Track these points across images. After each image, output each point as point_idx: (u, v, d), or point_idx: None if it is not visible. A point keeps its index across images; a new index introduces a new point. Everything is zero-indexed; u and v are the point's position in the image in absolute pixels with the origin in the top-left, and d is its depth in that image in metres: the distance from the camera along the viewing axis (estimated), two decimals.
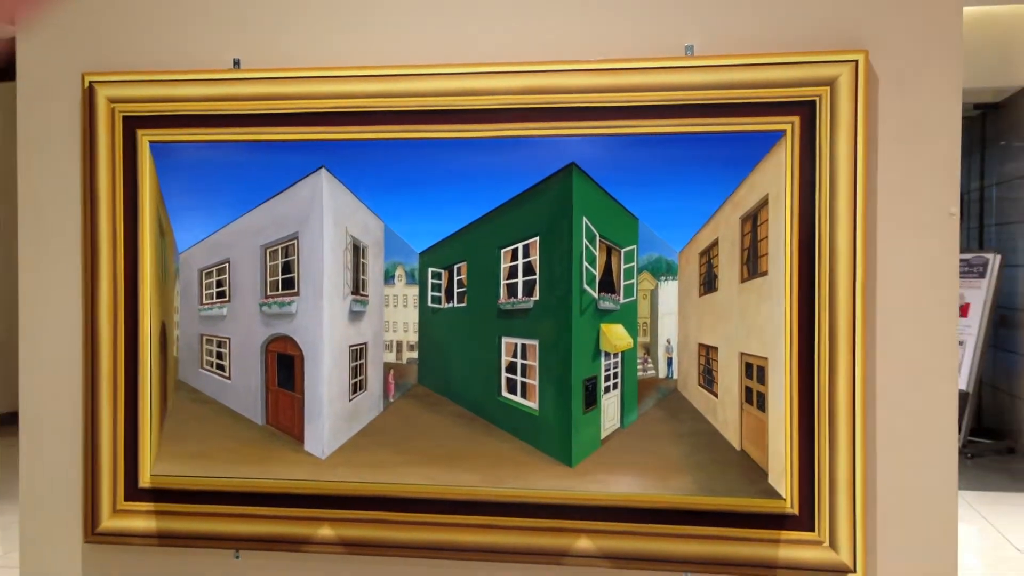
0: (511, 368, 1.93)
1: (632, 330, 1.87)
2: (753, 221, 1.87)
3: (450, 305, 1.93)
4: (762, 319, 1.87)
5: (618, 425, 1.89)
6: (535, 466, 1.94)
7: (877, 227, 1.93)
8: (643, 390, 1.88)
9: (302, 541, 2.11)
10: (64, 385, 2.21)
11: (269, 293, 1.99)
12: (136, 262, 2.12)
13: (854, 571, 1.93)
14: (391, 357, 1.95)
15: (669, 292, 1.85)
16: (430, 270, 1.92)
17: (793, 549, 1.95)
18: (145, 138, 2.12)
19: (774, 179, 1.88)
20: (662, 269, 1.85)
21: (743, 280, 1.86)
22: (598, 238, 1.88)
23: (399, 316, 1.93)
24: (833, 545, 1.93)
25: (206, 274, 2.00)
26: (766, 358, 1.87)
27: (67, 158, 2.19)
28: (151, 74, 2.12)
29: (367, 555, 2.10)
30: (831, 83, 1.90)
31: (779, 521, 1.95)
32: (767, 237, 1.88)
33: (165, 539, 2.16)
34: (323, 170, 1.97)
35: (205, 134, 2.08)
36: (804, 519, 1.95)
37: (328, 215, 1.95)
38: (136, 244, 2.12)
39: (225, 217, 1.97)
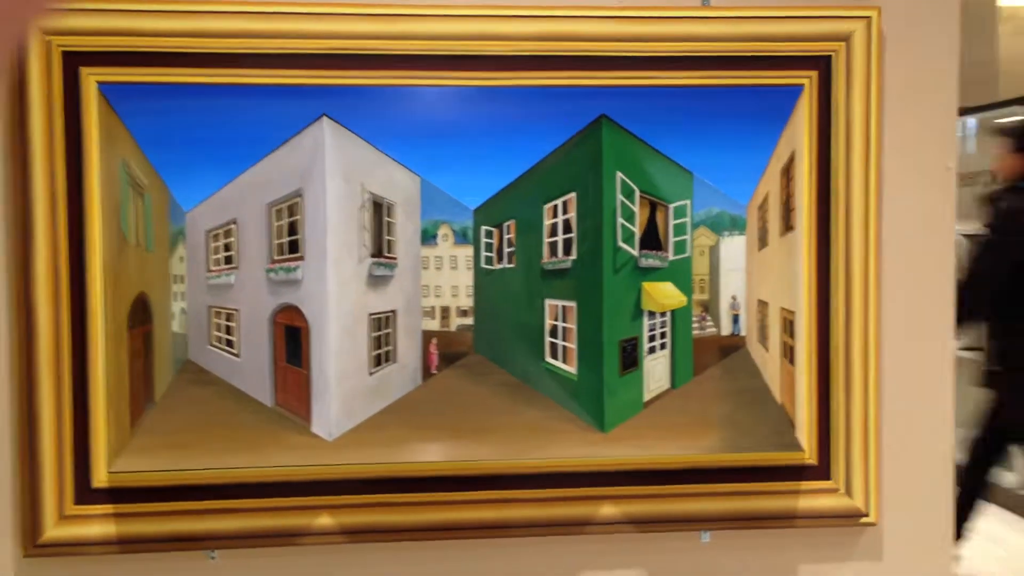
0: (554, 332, 1.91)
1: (685, 288, 1.91)
2: (787, 176, 1.96)
3: (501, 266, 1.88)
4: (791, 273, 1.97)
5: (666, 386, 1.93)
6: (568, 434, 1.94)
7: (884, 181, 2.08)
8: (704, 349, 1.93)
9: (294, 533, 1.99)
10: None
11: (275, 257, 1.84)
12: (82, 226, 1.89)
13: (867, 515, 2.09)
14: (433, 324, 1.87)
15: (734, 247, 1.90)
16: (483, 228, 1.86)
17: (811, 498, 2.09)
18: (92, 78, 1.89)
19: (800, 133, 1.98)
20: (725, 224, 1.90)
21: (782, 235, 1.95)
22: (637, 193, 1.89)
23: (445, 279, 1.86)
24: (849, 492, 2.09)
25: (213, 236, 1.82)
26: (794, 312, 1.98)
27: None
28: (99, 1, 1.89)
29: (371, 542, 2.02)
30: (847, 38, 2.02)
31: (798, 472, 2.08)
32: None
33: (127, 544, 1.96)
34: (324, 118, 1.85)
35: (167, 75, 1.89)
36: (822, 469, 2.08)
37: (334, 168, 1.84)
38: (82, 205, 1.89)
39: (227, 172, 1.80)
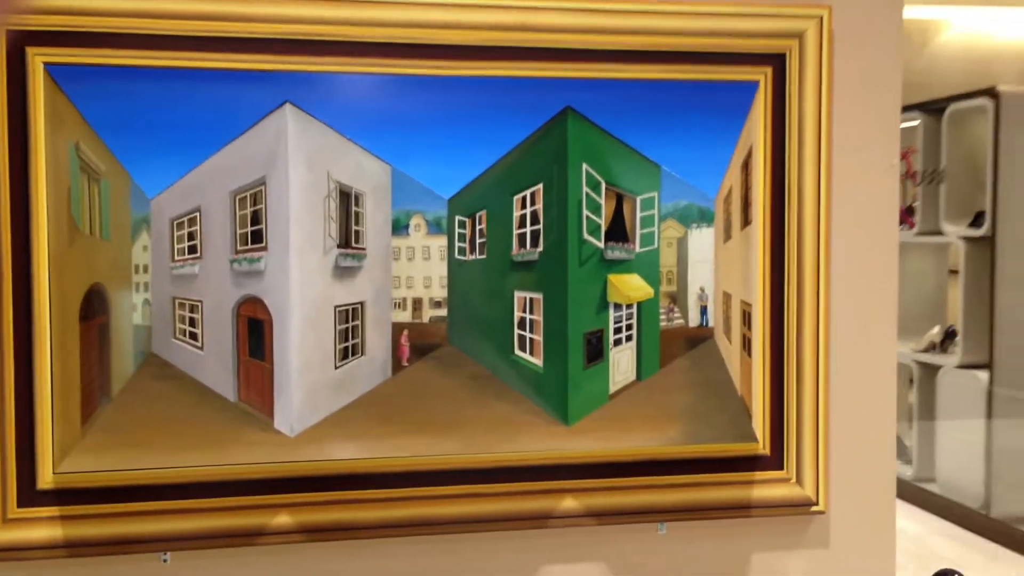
0: (522, 324, 1.92)
1: (653, 280, 1.94)
2: (745, 170, 2.01)
3: (473, 257, 1.88)
4: (749, 266, 2.02)
5: (632, 378, 1.96)
6: (533, 427, 1.95)
7: (834, 176, 2.15)
8: (671, 340, 1.96)
9: (251, 533, 1.95)
10: None
11: (238, 248, 1.80)
12: (28, 215, 1.82)
13: (817, 503, 2.16)
14: (405, 316, 1.85)
15: (703, 239, 1.94)
16: (456, 218, 1.85)
17: (765, 488, 2.14)
18: (38, 59, 1.82)
19: (756, 129, 2.03)
20: (693, 216, 1.94)
21: (742, 228, 2.00)
22: (603, 185, 1.92)
23: (418, 270, 1.84)
24: (799, 481, 2.15)
25: (177, 225, 1.77)
26: (751, 304, 2.03)
27: None
28: None
29: (332, 540, 1.99)
30: (800, 36, 2.09)
31: (752, 463, 2.13)
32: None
33: (75, 548, 1.89)
34: (287, 105, 1.83)
35: (119, 57, 1.83)
36: (775, 459, 2.14)
37: (297, 156, 1.81)
38: (27, 191, 1.82)
39: (191, 158, 1.75)
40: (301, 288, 1.82)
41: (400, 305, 1.87)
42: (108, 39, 1.85)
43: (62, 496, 1.89)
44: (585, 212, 1.92)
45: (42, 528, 1.89)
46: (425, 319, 1.88)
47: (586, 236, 1.92)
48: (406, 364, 1.88)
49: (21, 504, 1.88)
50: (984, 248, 5.07)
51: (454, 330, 1.90)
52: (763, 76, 2.07)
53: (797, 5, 2.10)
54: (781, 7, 2.09)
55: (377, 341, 1.87)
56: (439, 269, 1.87)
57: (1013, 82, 5.91)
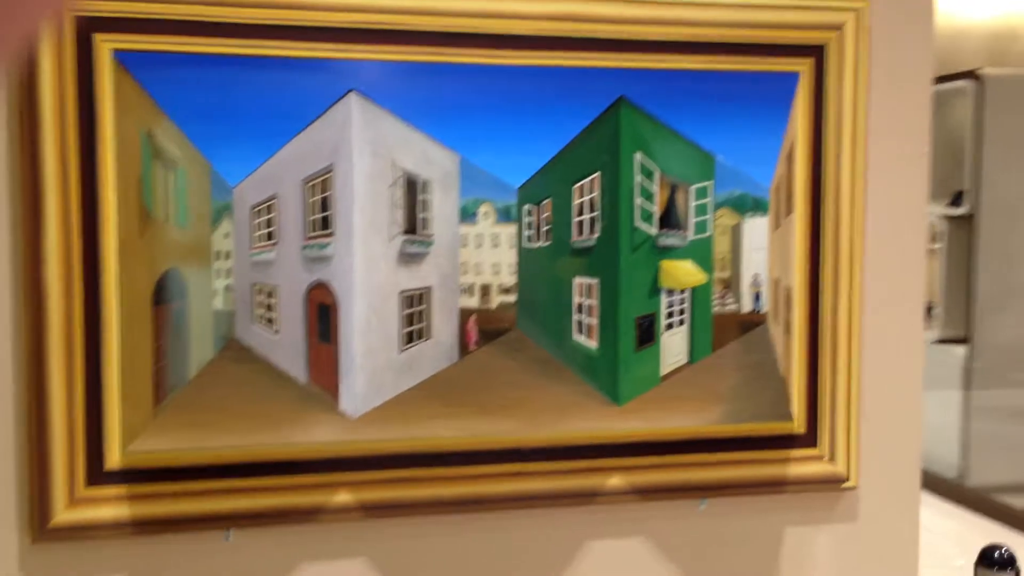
0: (579, 309, 1.98)
1: (706, 266, 2.02)
2: (789, 160, 2.08)
3: (539, 244, 1.94)
4: (788, 251, 2.10)
5: (684, 360, 2.04)
6: (585, 408, 2.02)
7: (869, 165, 2.23)
8: (724, 325, 2.04)
9: (310, 511, 2.01)
10: None
11: (309, 234, 1.84)
12: (95, 201, 1.85)
13: (848, 479, 2.26)
14: (473, 302, 1.91)
15: (757, 227, 2.02)
16: (525, 207, 1.91)
17: (800, 466, 2.24)
18: (106, 45, 1.84)
19: (797, 119, 2.11)
20: (748, 205, 2.01)
21: (786, 216, 2.08)
22: (657, 174, 1.98)
23: (486, 257, 1.90)
24: (832, 459, 2.25)
25: (256, 212, 1.80)
26: (790, 287, 2.12)
27: None
28: None
29: (386, 518, 2.05)
30: (839, 28, 2.16)
31: (789, 441, 2.22)
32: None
33: (140, 527, 1.94)
34: (352, 94, 1.87)
35: (186, 44, 1.86)
36: (809, 437, 2.24)
37: (362, 144, 1.85)
38: (95, 180, 1.85)
39: (268, 146, 1.79)
40: (365, 274, 1.87)
41: (468, 291, 1.92)
42: (174, 26, 1.88)
43: (129, 476, 1.93)
44: (638, 200, 1.98)
45: (109, 507, 1.93)
46: (493, 305, 1.94)
47: (638, 223, 1.99)
48: (473, 348, 1.94)
49: (89, 484, 1.92)
50: (963, 227, 5.22)
51: (522, 315, 1.96)
52: (805, 67, 2.15)
53: None
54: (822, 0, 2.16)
55: (444, 326, 1.92)
56: (508, 256, 1.93)
57: (981, 62, 6.06)
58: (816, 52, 2.17)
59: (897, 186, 2.27)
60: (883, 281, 2.28)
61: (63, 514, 1.91)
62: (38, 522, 1.90)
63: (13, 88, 1.84)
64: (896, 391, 2.31)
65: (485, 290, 1.93)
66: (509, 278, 1.94)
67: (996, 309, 5.24)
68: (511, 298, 1.95)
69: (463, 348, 1.94)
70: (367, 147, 1.86)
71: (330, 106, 1.85)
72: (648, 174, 1.98)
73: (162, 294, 1.83)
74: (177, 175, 1.79)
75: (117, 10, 1.85)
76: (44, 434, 1.88)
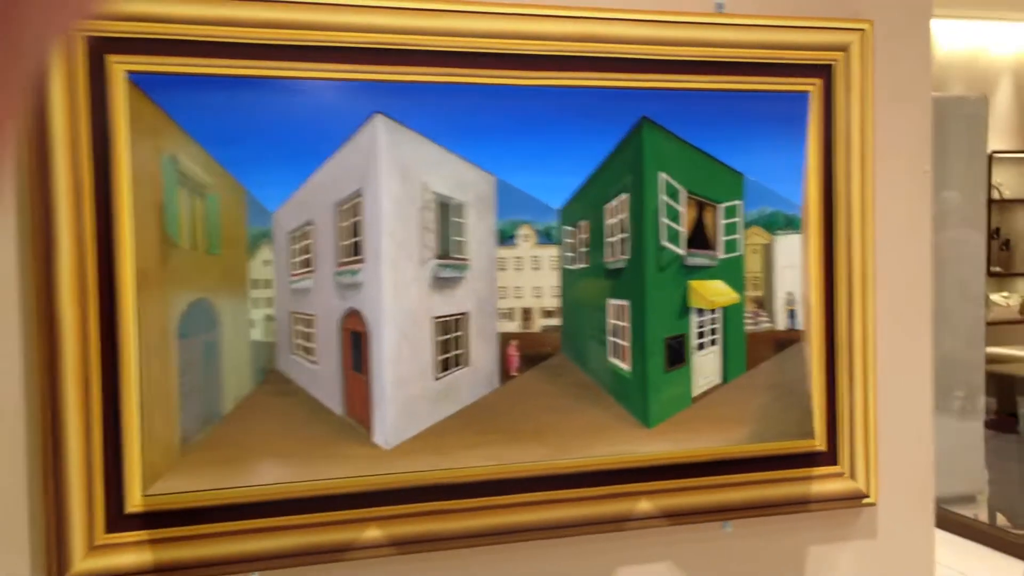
0: (614, 331, 1.96)
1: (737, 285, 2.01)
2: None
3: (578, 266, 1.91)
4: (810, 269, 2.12)
5: (718, 381, 2.02)
6: (617, 431, 2.00)
7: (876, 183, 2.27)
8: (759, 343, 2.03)
9: (339, 549, 1.93)
10: (1, 390, 1.77)
11: (341, 260, 1.79)
12: (110, 228, 1.77)
13: (868, 496, 2.26)
14: (513, 326, 1.87)
15: (789, 245, 2.02)
16: (564, 228, 1.88)
17: (822, 483, 2.24)
18: (118, 67, 1.77)
19: (809, 138, 2.13)
20: (779, 223, 2.01)
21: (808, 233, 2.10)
22: (683, 193, 1.98)
23: (526, 280, 1.86)
24: (852, 475, 2.25)
25: (292, 239, 1.74)
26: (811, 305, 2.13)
27: None
28: None
29: (418, 552, 1.99)
30: (845, 49, 2.19)
31: (811, 459, 2.22)
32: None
33: (164, 573, 1.84)
34: (378, 116, 1.82)
35: (202, 65, 1.80)
36: (830, 454, 2.24)
37: (389, 167, 1.81)
38: (109, 205, 1.77)
39: (302, 171, 1.73)
40: (395, 300, 1.82)
41: (509, 315, 1.88)
42: (190, 47, 1.82)
43: (150, 519, 1.84)
44: (664, 220, 1.97)
45: (130, 553, 1.83)
46: (536, 329, 1.90)
47: (665, 243, 1.98)
48: (515, 374, 1.90)
49: (109, 530, 1.82)
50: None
51: (565, 339, 1.93)
52: (814, 88, 2.17)
53: (842, 19, 2.21)
54: (829, 20, 2.19)
55: (483, 351, 1.88)
56: (550, 279, 1.90)
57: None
58: (824, 72, 2.19)
59: (903, 203, 2.31)
60: (893, 299, 2.30)
61: (82, 563, 1.80)
62: (56, 572, 1.79)
63: (23, 111, 1.76)
64: (908, 407, 2.33)
65: (527, 314, 1.89)
66: (552, 301, 1.91)
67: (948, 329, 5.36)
68: (554, 322, 1.91)
69: (504, 374, 1.90)
70: (395, 170, 1.82)
71: (358, 128, 1.80)
72: (673, 194, 1.98)
73: (189, 326, 1.75)
74: (208, 201, 1.73)
75: (129, 31, 1.79)
76: (61, 478, 1.79)
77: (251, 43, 1.84)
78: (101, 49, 1.79)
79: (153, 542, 1.85)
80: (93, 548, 1.81)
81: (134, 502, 1.82)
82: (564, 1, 2.04)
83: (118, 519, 1.83)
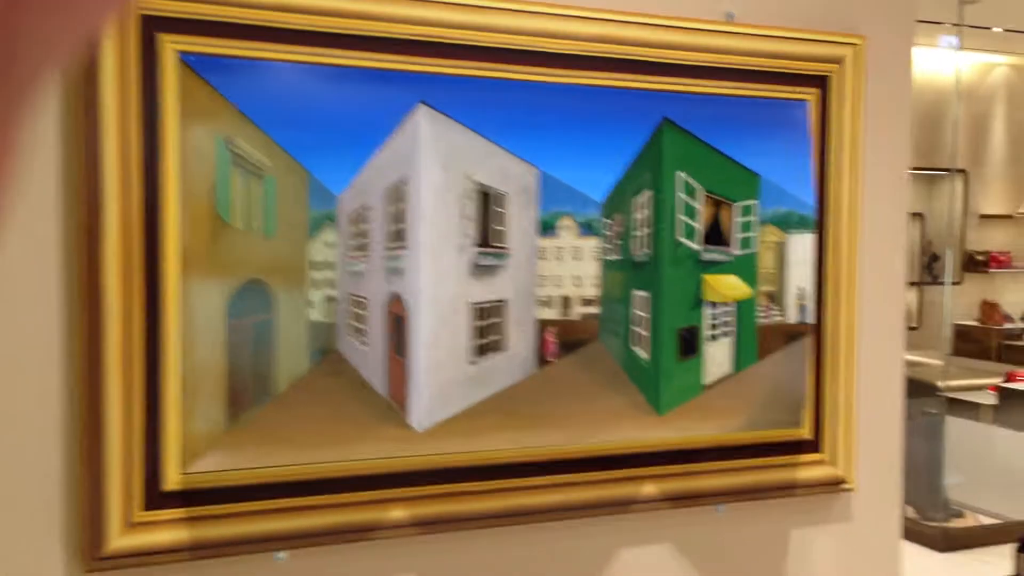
0: (636, 321, 2.06)
1: (750, 280, 2.13)
2: None
3: (613, 257, 2.00)
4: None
5: (728, 370, 2.14)
6: (632, 418, 2.10)
7: (865, 188, 2.42)
8: (770, 335, 2.16)
9: (364, 529, 1.98)
10: (42, 366, 1.77)
11: (388, 245, 1.84)
12: (157, 207, 1.78)
13: (847, 482, 2.42)
14: (552, 314, 1.94)
15: (801, 243, 2.15)
16: (605, 220, 1.97)
17: (807, 470, 2.38)
18: (170, 46, 1.79)
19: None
20: (793, 222, 2.13)
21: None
22: (700, 191, 2.09)
23: (567, 270, 1.93)
24: (833, 463, 2.40)
25: (351, 221, 1.78)
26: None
27: None
28: None
29: (435, 533, 2.05)
30: (840, 61, 2.34)
31: (798, 446, 2.37)
32: None
33: (196, 551, 1.86)
34: (422, 106, 1.88)
35: (253, 49, 1.83)
36: (815, 443, 2.38)
37: (431, 156, 1.87)
38: (157, 183, 1.78)
39: (361, 156, 1.78)
40: (432, 285, 1.88)
41: (548, 303, 1.96)
42: (241, 30, 1.84)
43: (186, 497, 1.86)
44: (681, 216, 2.08)
45: (166, 531, 1.85)
46: (574, 316, 1.98)
47: (681, 239, 2.09)
48: (551, 360, 1.98)
49: (146, 507, 1.83)
50: None
51: (602, 327, 2.02)
52: (812, 97, 2.32)
53: (839, 33, 2.35)
54: (826, 34, 2.34)
55: (519, 338, 1.95)
56: (590, 269, 1.98)
57: None
58: (821, 83, 2.34)
59: (884, 208, 2.47)
60: (872, 298, 2.46)
61: (118, 540, 1.81)
62: (91, 549, 1.80)
63: (74, 86, 1.76)
64: (881, 399, 2.50)
65: (566, 302, 1.97)
66: (591, 290, 1.99)
67: None
68: (593, 310, 2.00)
69: (541, 360, 1.98)
70: (437, 159, 1.88)
71: (406, 117, 1.86)
72: (691, 192, 2.09)
73: (240, 306, 1.77)
74: (265, 183, 1.75)
75: (182, 11, 1.80)
76: (100, 455, 1.79)
77: (302, 29, 1.87)
78: (153, 28, 1.80)
79: (189, 520, 1.87)
80: (130, 525, 1.82)
81: (172, 479, 1.83)
82: (589, 4, 2.13)
83: (156, 497, 1.84)
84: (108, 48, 1.76)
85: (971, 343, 8.55)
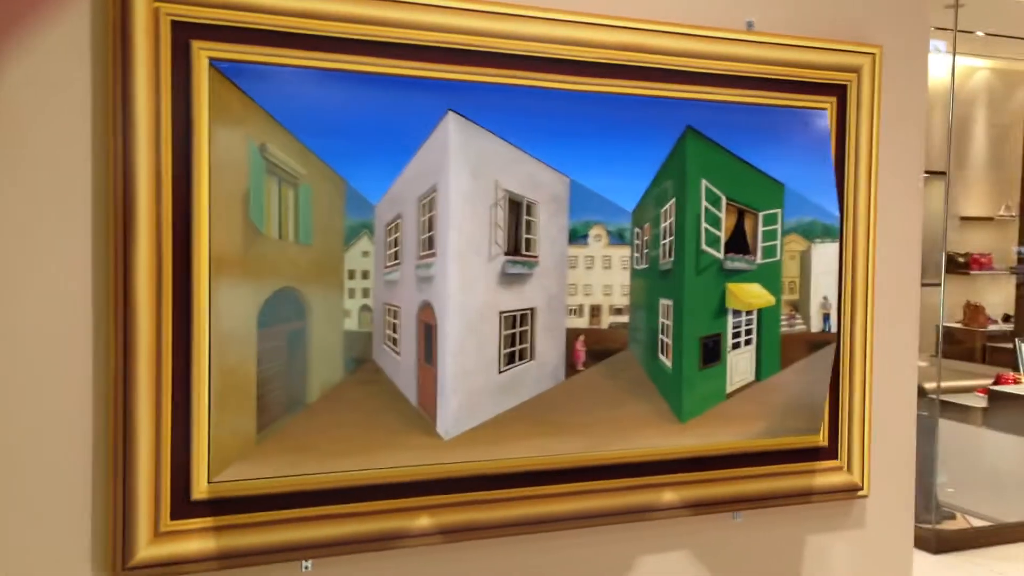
0: (662, 329, 2.06)
1: (774, 289, 2.14)
2: None
3: (642, 266, 2.00)
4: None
5: (751, 378, 2.15)
6: (654, 425, 2.10)
7: (880, 195, 2.44)
8: (793, 344, 2.17)
9: (388, 537, 1.98)
10: (73, 376, 1.75)
11: (420, 253, 1.83)
12: (188, 214, 1.77)
13: (862, 488, 2.44)
14: (581, 322, 1.95)
15: (826, 253, 2.16)
16: (635, 229, 1.97)
17: (823, 476, 2.40)
18: (203, 53, 1.78)
19: None
20: (817, 232, 2.15)
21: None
22: (724, 200, 2.10)
23: (597, 278, 1.94)
24: (850, 469, 2.42)
25: (387, 231, 1.77)
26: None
27: (77, 72, 1.73)
28: None
29: (462, 541, 2.05)
30: (858, 71, 2.36)
31: (815, 453, 2.38)
32: None
33: (225, 560, 1.85)
34: (450, 114, 1.88)
35: (285, 56, 1.83)
36: (831, 449, 2.40)
37: (460, 164, 1.87)
38: (189, 190, 1.77)
39: (398, 163, 1.77)
40: (460, 293, 1.87)
41: (577, 312, 1.96)
42: (273, 37, 1.84)
43: (215, 506, 1.85)
44: (704, 225, 2.09)
45: (194, 540, 1.84)
46: (604, 325, 1.98)
47: (705, 247, 2.09)
48: (580, 368, 1.98)
49: (175, 516, 1.82)
50: None
51: (632, 335, 2.02)
52: (830, 104, 2.33)
53: (856, 43, 2.37)
54: (844, 43, 2.35)
55: (549, 346, 1.95)
56: (621, 278, 1.98)
57: None
58: (839, 91, 2.35)
59: (900, 216, 2.49)
60: (888, 307, 2.48)
61: (147, 549, 1.80)
62: (120, 559, 1.78)
63: (107, 93, 1.74)
64: (895, 407, 2.52)
65: (595, 311, 1.97)
66: (621, 299, 2.00)
67: None
68: (623, 319, 2.00)
69: (570, 368, 1.98)
70: (466, 166, 1.87)
71: (436, 125, 1.85)
72: (714, 200, 2.10)
73: (272, 315, 1.76)
74: (299, 191, 1.74)
75: (214, 17, 1.79)
76: (129, 465, 1.78)
77: (332, 36, 1.86)
78: (186, 34, 1.78)
79: (217, 529, 1.85)
80: (158, 535, 1.81)
81: (201, 488, 1.82)
82: (614, 12, 2.13)
83: (184, 506, 1.83)
84: (140, 55, 1.75)
85: (955, 345, 8.62)
